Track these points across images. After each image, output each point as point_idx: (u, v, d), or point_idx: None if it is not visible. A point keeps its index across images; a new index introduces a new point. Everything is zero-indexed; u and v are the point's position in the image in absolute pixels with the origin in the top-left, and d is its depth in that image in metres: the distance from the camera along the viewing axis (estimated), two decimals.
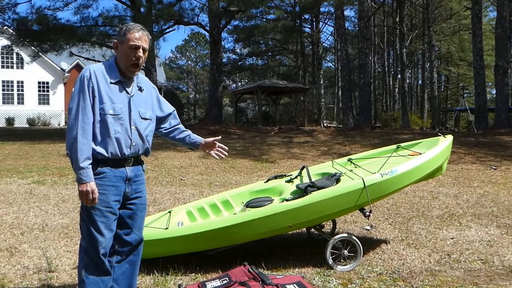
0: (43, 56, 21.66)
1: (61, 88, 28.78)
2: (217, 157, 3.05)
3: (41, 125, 26.72)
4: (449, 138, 4.46)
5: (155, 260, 3.74)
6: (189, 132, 3.00)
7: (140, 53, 2.55)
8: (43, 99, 28.09)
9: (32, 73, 27.07)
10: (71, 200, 6.51)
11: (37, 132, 18.79)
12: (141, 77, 2.72)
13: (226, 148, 3.10)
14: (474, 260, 3.99)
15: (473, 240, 4.60)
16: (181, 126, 2.98)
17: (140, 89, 2.68)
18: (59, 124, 27.54)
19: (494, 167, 9.53)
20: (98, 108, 2.47)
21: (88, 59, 19.26)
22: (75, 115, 2.44)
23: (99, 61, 19.27)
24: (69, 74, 28.92)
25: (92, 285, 2.51)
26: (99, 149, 2.48)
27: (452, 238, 4.66)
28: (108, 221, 2.52)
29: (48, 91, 28.29)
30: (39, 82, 27.91)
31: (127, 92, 2.60)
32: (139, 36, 2.55)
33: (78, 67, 29.57)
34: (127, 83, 2.61)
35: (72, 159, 2.42)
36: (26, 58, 23.14)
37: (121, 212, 2.63)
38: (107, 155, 2.49)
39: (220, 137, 3.08)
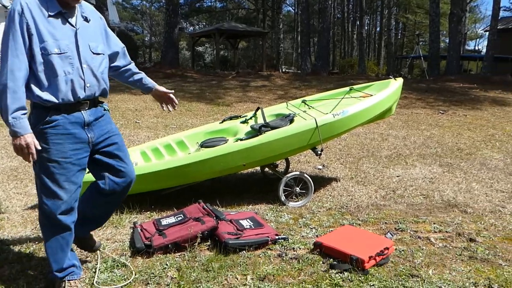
0: None
1: (2, 26, 26.90)
2: (165, 110, 2.85)
3: None
4: (399, 81, 4.59)
5: None
6: (141, 75, 2.72)
7: None
8: None
9: None
10: None
11: None
12: (85, 5, 2.34)
13: (177, 102, 2.86)
14: (417, 196, 4.26)
15: (417, 177, 4.88)
16: (133, 67, 2.68)
17: (86, 19, 2.30)
18: None
19: (442, 112, 9.96)
20: (38, 48, 2.11)
21: None
22: (4, 59, 2.07)
23: None
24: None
25: (52, 242, 2.33)
26: (47, 95, 2.15)
27: (398, 176, 4.92)
28: (68, 172, 2.24)
29: None
30: None
31: (71, 25, 2.21)
32: None
33: None
34: (69, 13, 2.21)
35: (2, 111, 2.07)
36: None
37: (99, 157, 2.40)
38: (57, 101, 2.17)
39: (173, 90, 2.84)
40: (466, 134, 7.64)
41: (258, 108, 4.58)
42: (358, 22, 28.95)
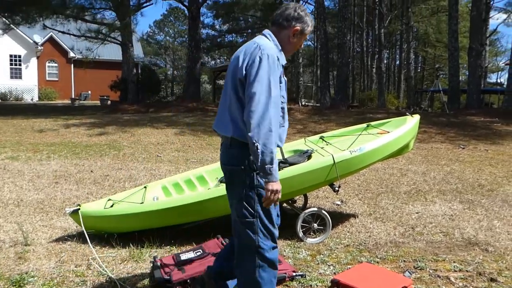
0: (15, 28, 21.01)
1: (34, 61, 28.05)
2: None
3: (13, 100, 26.09)
4: (416, 117, 4.64)
5: (130, 233, 3.83)
6: None
7: None
8: (15, 73, 27.38)
9: (3, 46, 26.25)
10: (46, 176, 6.50)
11: (9, 107, 18.38)
12: None
13: None
14: (436, 233, 4.22)
15: (437, 214, 4.84)
16: None
17: None
18: (32, 99, 26.94)
19: (463, 146, 9.88)
20: (280, 95, 2.23)
21: (63, 32, 18.79)
22: (267, 102, 2.10)
23: (73, 35, 18.84)
24: (42, 48, 28.17)
25: (268, 285, 2.28)
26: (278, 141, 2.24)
27: (417, 213, 4.89)
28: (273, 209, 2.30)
29: (20, 64, 27.56)
30: (10, 56, 27.13)
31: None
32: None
33: (51, 41, 28.83)
34: None
35: (265, 154, 2.07)
36: None
37: None
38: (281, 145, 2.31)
39: None
40: (487, 169, 7.55)
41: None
42: (377, 56, 29.20)
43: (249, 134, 2.10)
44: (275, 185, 2.12)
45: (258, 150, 2.08)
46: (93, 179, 6.41)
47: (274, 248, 2.28)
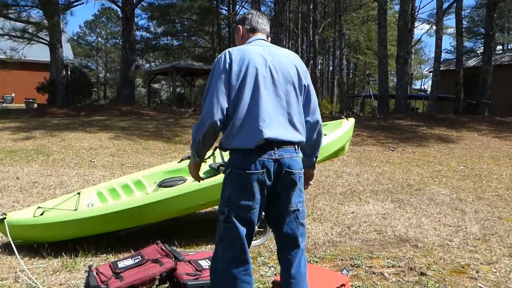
0: None
1: None
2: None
3: None
4: (351, 121, 4.82)
5: (63, 242, 3.63)
6: None
7: None
8: None
9: None
10: None
11: None
12: None
13: None
14: (370, 231, 4.41)
15: (371, 213, 5.06)
16: None
17: None
18: None
19: (392, 149, 10.42)
20: None
21: None
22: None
23: None
24: None
25: None
26: None
27: (352, 213, 5.08)
28: None
29: None
30: None
31: None
32: None
33: None
34: None
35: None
36: None
37: None
38: None
39: None
40: (415, 170, 8.01)
41: (216, 148, 4.63)
42: (311, 62, 30.06)
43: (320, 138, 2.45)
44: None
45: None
46: (19, 186, 6.00)
47: None
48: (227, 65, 2.23)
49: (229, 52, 2.28)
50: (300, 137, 2.29)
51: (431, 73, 19.93)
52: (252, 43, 2.40)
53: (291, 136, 2.24)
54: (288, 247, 2.35)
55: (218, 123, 2.18)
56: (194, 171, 2.50)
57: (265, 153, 2.16)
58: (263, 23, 2.49)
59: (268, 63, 2.26)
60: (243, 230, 2.21)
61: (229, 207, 2.22)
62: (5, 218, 3.52)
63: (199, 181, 2.66)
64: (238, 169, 2.19)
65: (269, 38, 2.52)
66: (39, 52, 26.59)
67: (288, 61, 2.33)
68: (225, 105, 2.19)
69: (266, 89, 2.22)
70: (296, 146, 2.28)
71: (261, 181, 2.17)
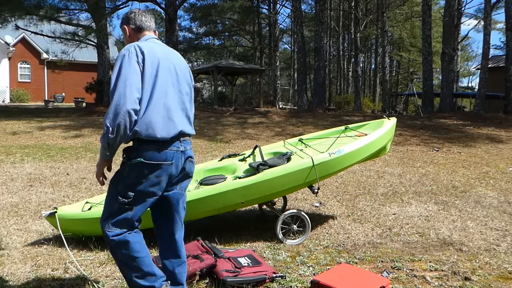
0: None
1: (5, 62, 27.34)
2: None
3: None
4: (393, 120, 4.73)
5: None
6: None
7: None
8: None
9: None
10: (20, 179, 6.35)
11: None
12: None
13: None
14: (412, 234, 4.31)
15: (413, 215, 4.95)
16: None
17: None
18: (3, 101, 26.25)
19: (437, 149, 10.11)
20: None
21: (35, 33, 18.38)
22: None
23: (48, 36, 18.48)
24: (14, 48, 27.48)
25: None
26: None
27: (394, 214, 4.99)
28: None
29: None
30: None
31: None
32: None
33: (24, 41, 28.18)
34: None
35: None
36: None
37: None
38: None
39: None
40: (460, 171, 7.75)
41: (256, 146, 4.69)
42: (353, 60, 29.62)
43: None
44: None
45: None
46: (69, 182, 6.29)
47: None
48: (139, 58, 2.34)
49: (138, 46, 2.38)
50: (193, 130, 2.60)
51: (479, 70, 19.17)
52: (148, 41, 2.52)
53: (189, 129, 2.53)
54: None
55: (133, 112, 2.26)
56: (100, 169, 2.47)
57: (174, 145, 2.41)
58: (147, 20, 2.62)
59: (173, 61, 2.50)
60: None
61: (134, 193, 2.40)
62: (56, 212, 3.71)
63: (102, 184, 2.54)
64: (150, 160, 2.35)
65: (156, 33, 2.69)
66: (87, 54, 27.67)
67: (183, 62, 2.61)
68: (138, 95, 2.29)
69: (173, 85, 2.45)
70: (190, 137, 2.59)
71: (169, 171, 2.40)
